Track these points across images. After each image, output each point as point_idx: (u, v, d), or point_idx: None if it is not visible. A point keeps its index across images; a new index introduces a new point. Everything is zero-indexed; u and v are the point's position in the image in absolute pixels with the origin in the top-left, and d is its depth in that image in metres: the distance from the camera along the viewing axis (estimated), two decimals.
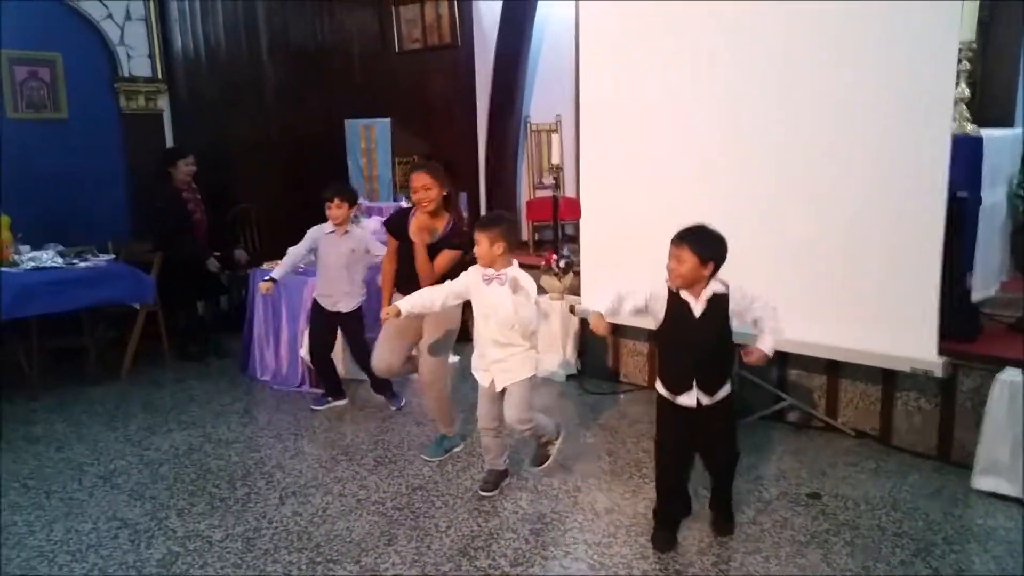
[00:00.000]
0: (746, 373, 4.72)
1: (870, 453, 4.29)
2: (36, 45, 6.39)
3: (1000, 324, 4.44)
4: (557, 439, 4.04)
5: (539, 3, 6.98)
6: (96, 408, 5.22)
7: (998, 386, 3.73)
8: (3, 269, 5.22)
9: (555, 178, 6.35)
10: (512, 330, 3.65)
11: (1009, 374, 3.73)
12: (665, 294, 3.20)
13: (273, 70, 7.83)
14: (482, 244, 3.61)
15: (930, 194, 3.85)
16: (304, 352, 5.36)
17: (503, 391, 3.74)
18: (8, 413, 5.11)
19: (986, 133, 4.17)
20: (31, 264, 5.35)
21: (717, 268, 3.12)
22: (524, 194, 7.54)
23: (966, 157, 3.98)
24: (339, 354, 5.25)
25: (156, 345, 6.04)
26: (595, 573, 3.24)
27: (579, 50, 5.26)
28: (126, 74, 6.85)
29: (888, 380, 4.35)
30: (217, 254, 6.23)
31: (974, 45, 4.07)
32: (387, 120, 7.25)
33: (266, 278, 5.02)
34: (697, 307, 3.14)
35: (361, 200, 6.21)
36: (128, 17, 6.82)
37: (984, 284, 4.25)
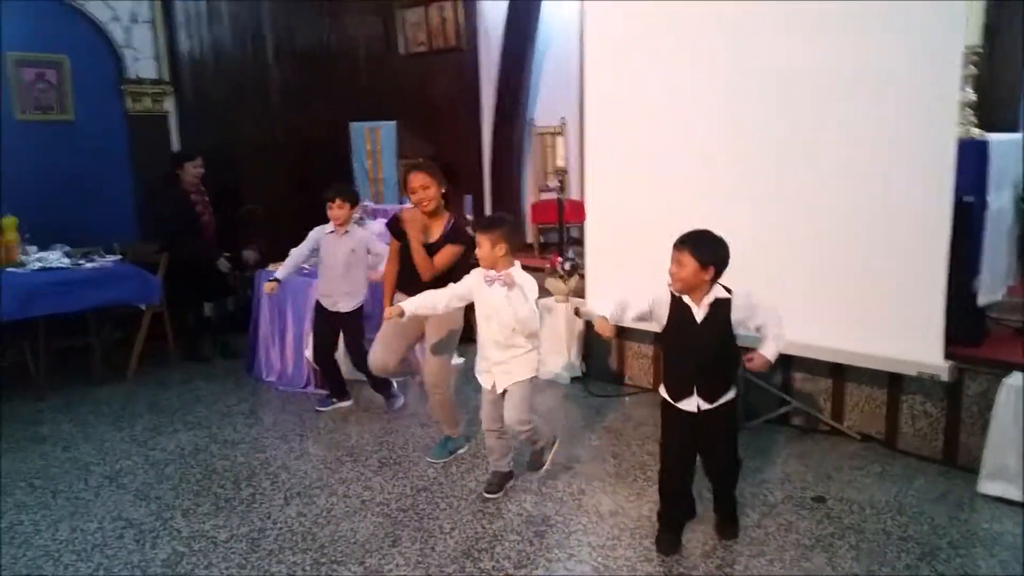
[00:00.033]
0: (751, 377, 4.71)
1: (875, 457, 4.29)
2: (43, 47, 6.43)
3: (1006, 328, 4.44)
4: (553, 444, 4.07)
5: (544, 6, 6.99)
6: (102, 408, 5.23)
7: (1004, 390, 3.72)
8: (10, 270, 5.25)
9: (560, 181, 6.36)
10: (513, 332, 3.66)
11: (1016, 378, 3.71)
12: (668, 299, 3.21)
13: (279, 73, 7.84)
14: (484, 246, 3.62)
15: (936, 198, 3.84)
16: (309, 353, 5.37)
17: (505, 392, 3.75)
18: (15, 413, 5.13)
19: (992, 137, 4.16)
20: (38, 265, 5.38)
21: (719, 273, 3.11)
22: (529, 197, 7.55)
23: (972, 161, 3.97)
24: (343, 355, 5.25)
25: (162, 346, 6.06)
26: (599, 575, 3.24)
27: (584, 53, 5.27)
28: (132, 76, 6.88)
29: (894, 384, 4.34)
30: (227, 254, 6.25)
31: (980, 49, 4.06)
32: (392, 123, 7.26)
33: (270, 278, 5.03)
34: (699, 312, 3.14)
35: (366, 202, 6.23)
36: (134, 20, 6.86)
37: (990, 288, 4.23)
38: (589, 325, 5.00)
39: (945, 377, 3.94)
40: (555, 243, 6.53)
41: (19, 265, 5.34)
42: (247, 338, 6.02)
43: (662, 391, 3.32)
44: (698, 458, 3.35)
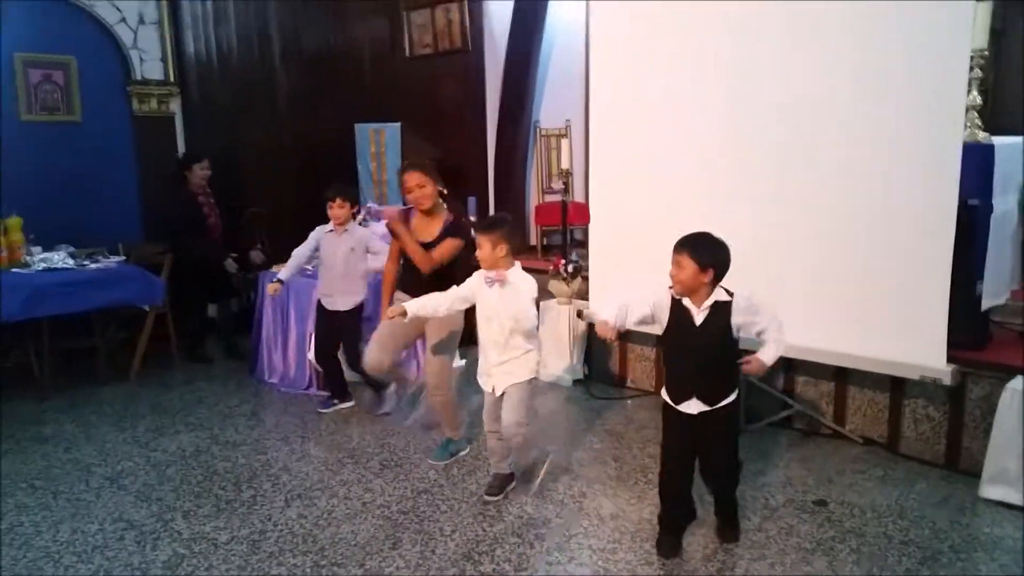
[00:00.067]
0: (754, 380, 4.70)
1: (877, 461, 4.27)
2: (50, 48, 6.45)
3: (1010, 332, 4.43)
4: (545, 461, 4.10)
5: (549, 9, 6.99)
6: (105, 409, 5.25)
7: (1007, 394, 3.71)
8: (15, 270, 5.27)
9: (564, 183, 6.36)
10: (512, 333, 3.65)
11: (1018, 382, 3.70)
12: (668, 301, 3.21)
13: (285, 74, 7.85)
14: (484, 247, 3.61)
15: (941, 201, 3.83)
16: (312, 355, 5.37)
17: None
18: (18, 413, 5.14)
19: (997, 141, 4.14)
20: (42, 265, 5.39)
21: (719, 276, 3.11)
22: (533, 199, 7.55)
23: (977, 165, 3.96)
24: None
25: (165, 347, 6.07)
26: None
27: (589, 55, 5.27)
28: (139, 77, 6.90)
29: (896, 387, 4.33)
30: (234, 255, 6.27)
31: (986, 53, 4.05)
32: (397, 125, 7.27)
33: (273, 279, 5.04)
34: (698, 315, 3.13)
35: (371, 204, 6.23)
36: (141, 21, 6.87)
37: (994, 292, 4.21)
38: (591, 327, 5.01)
39: (948, 381, 3.93)
40: (558, 245, 6.53)
41: (23, 266, 5.36)
42: (250, 339, 6.02)
43: (663, 393, 3.32)
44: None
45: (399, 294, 4.32)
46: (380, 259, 4.83)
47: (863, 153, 4.06)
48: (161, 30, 6.99)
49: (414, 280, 4.24)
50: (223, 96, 7.44)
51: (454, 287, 3.81)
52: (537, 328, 3.81)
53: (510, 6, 6.96)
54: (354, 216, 5.14)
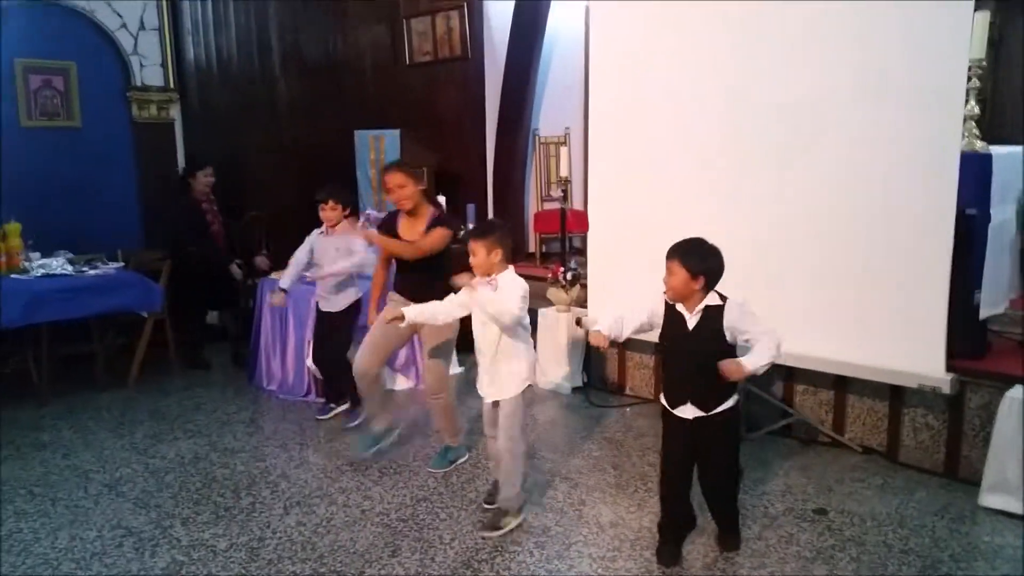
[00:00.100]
0: (753, 388, 4.71)
1: (877, 469, 4.27)
2: (51, 54, 6.46)
3: (1009, 341, 4.44)
4: (518, 516, 3.73)
5: (549, 19, 7.01)
6: (103, 415, 5.24)
7: (1006, 403, 3.71)
8: (14, 276, 5.27)
9: (563, 190, 6.37)
10: (502, 339, 3.57)
11: (1017, 391, 3.70)
12: (663, 307, 3.22)
13: (285, 81, 7.87)
14: (479, 253, 3.53)
15: (939, 211, 3.85)
16: (310, 361, 5.37)
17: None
18: (16, 419, 5.13)
19: (995, 150, 4.16)
20: (41, 271, 5.39)
21: (711, 282, 3.11)
22: (532, 206, 7.57)
23: (975, 174, 3.97)
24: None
25: (164, 353, 6.07)
26: None
27: (588, 63, 5.28)
28: (139, 83, 6.91)
29: (896, 396, 4.33)
30: (239, 261, 6.28)
31: (984, 63, 4.07)
32: (396, 131, 7.27)
33: (277, 288, 5.04)
34: (690, 319, 3.15)
35: (369, 211, 6.24)
36: (142, 27, 6.89)
37: (993, 301, 4.22)
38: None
39: (947, 390, 3.94)
40: (557, 253, 6.54)
41: (22, 272, 5.36)
42: (248, 346, 6.02)
43: (661, 398, 3.33)
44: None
45: (392, 295, 4.32)
46: (353, 259, 4.86)
47: (862, 160, 4.07)
48: (161, 36, 7.01)
49: (406, 280, 4.26)
50: (223, 102, 7.46)
51: (451, 295, 3.79)
52: (527, 330, 3.70)
53: (510, 14, 6.98)
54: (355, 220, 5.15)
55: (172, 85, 7.07)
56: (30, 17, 6.29)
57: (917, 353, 3.99)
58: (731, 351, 3.17)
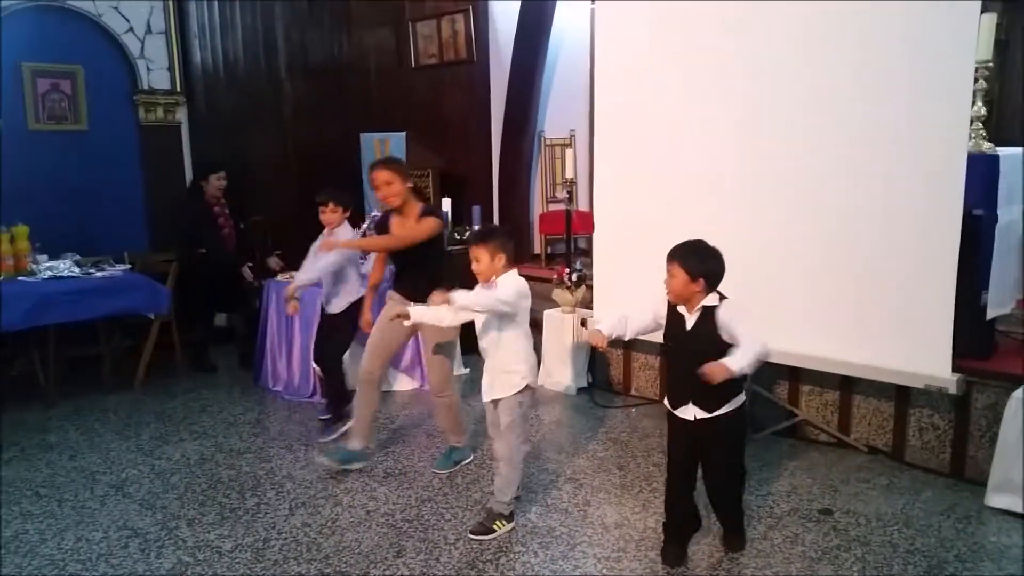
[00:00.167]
0: (759, 388, 4.71)
1: (883, 469, 4.26)
2: (58, 58, 6.47)
3: (1015, 341, 4.43)
4: (510, 522, 3.68)
5: (554, 21, 7.01)
6: (109, 417, 5.25)
7: (1013, 403, 3.70)
8: (21, 278, 5.29)
9: (568, 192, 6.37)
10: (501, 335, 3.55)
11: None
12: (665, 308, 3.24)
13: (291, 84, 7.88)
14: (482, 259, 3.49)
15: (946, 211, 3.84)
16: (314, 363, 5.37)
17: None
18: (23, 421, 5.15)
19: (1002, 151, 4.15)
20: (48, 274, 5.40)
21: (712, 284, 3.11)
22: (537, 207, 7.57)
23: (982, 175, 3.97)
24: (347, 361, 5.16)
25: (170, 355, 6.08)
26: None
27: (594, 65, 5.28)
28: (145, 87, 6.92)
29: (901, 396, 4.32)
30: (250, 264, 6.30)
31: (991, 64, 4.06)
32: (402, 134, 7.28)
33: (281, 289, 5.03)
34: (689, 320, 3.16)
35: (375, 213, 6.24)
36: (148, 30, 6.90)
37: (999, 302, 4.21)
38: None
39: (953, 390, 3.93)
40: (562, 254, 6.54)
41: (30, 274, 5.38)
42: (254, 348, 6.03)
43: (666, 399, 3.33)
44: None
45: (391, 294, 4.32)
46: (318, 263, 4.83)
47: (868, 162, 4.07)
48: (168, 40, 7.01)
49: (403, 278, 4.28)
50: (229, 105, 7.47)
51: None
52: (528, 332, 3.66)
53: (515, 17, 6.99)
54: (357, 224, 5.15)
55: (179, 88, 7.08)
56: (38, 21, 6.30)
57: (923, 353, 3.98)
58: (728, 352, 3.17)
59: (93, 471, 4.41)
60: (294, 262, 5.21)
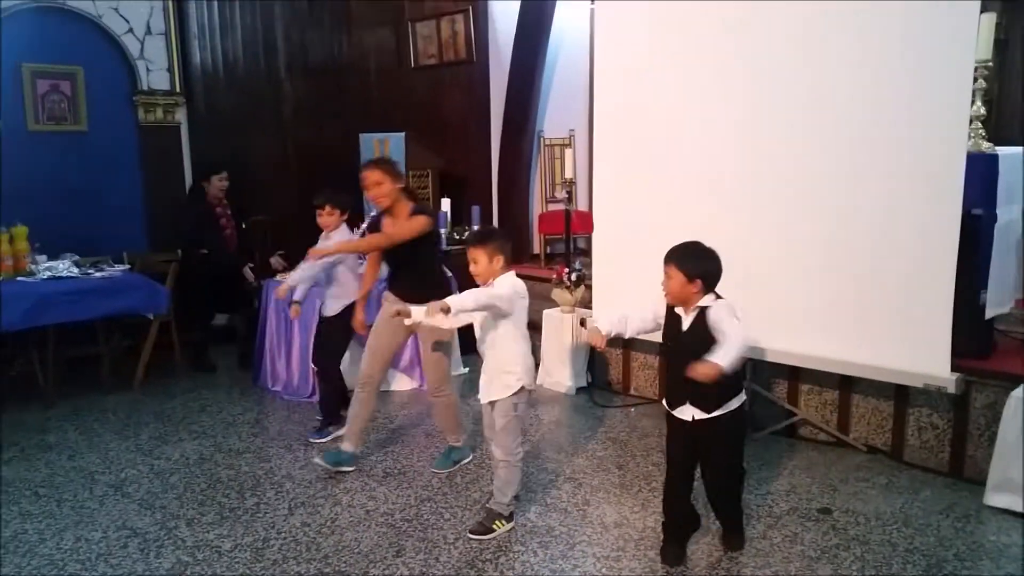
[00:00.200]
0: (758, 388, 4.71)
1: (882, 469, 4.27)
2: (58, 58, 6.48)
3: (1014, 341, 4.43)
4: (509, 522, 3.68)
5: (553, 21, 7.01)
6: (109, 417, 5.25)
7: (1012, 403, 3.70)
8: (20, 279, 5.29)
9: (568, 192, 6.37)
10: (497, 335, 3.54)
11: (1022, 391, 3.69)
12: (664, 309, 3.24)
13: (290, 85, 7.88)
14: (480, 261, 3.48)
15: (945, 211, 3.84)
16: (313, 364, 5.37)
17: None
18: (22, 421, 5.15)
19: (1001, 151, 4.16)
20: (48, 274, 5.40)
21: (709, 285, 3.11)
22: (537, 207, 7.57)
23: (981, 174, 3.97)
24: (347, 365, 5.17)
25: (169, 355, 6.08)
26: None
27: (593, 65, 5.29)
28: (145, 87, 6.92)
29: (901, 396, 4.32)
30: (251, 265, 6.30)
31: (990, 64, 4.06)
32: (401, 134, 7.28)
33: (292, 301, 5.02)
34: (685, 320, 3.16)
35: (374, 213, 6.24)
36: (148, 31, 6.90)
37: (998, 301, 4.22)
38: None
39: (952, 389, 3.93)
40: (562, 254, 6.54)
41: (29, 274, 5.38)
42: (253, 348, 6.03)
43: (664, 400, 3.33)
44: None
45: (387, 295, 4.30)
46: (317, 264, 4.78)
47: (868, 161, 4.07)
48: (168, 40, 7.02)
49: (397, 278, 4.27)
50: (229, 106, 7.47)
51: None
52: (525, 334, 3.65)
53: (514, 17, 6.99)
54: (357, 225, 5.15)
55: (178, 89, 7.08)
56: (38, 22, 6.31)
57: (922, 353, 3.98)
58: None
59: (92, 471, 4.41)
60: (295, 262, 5.20)
